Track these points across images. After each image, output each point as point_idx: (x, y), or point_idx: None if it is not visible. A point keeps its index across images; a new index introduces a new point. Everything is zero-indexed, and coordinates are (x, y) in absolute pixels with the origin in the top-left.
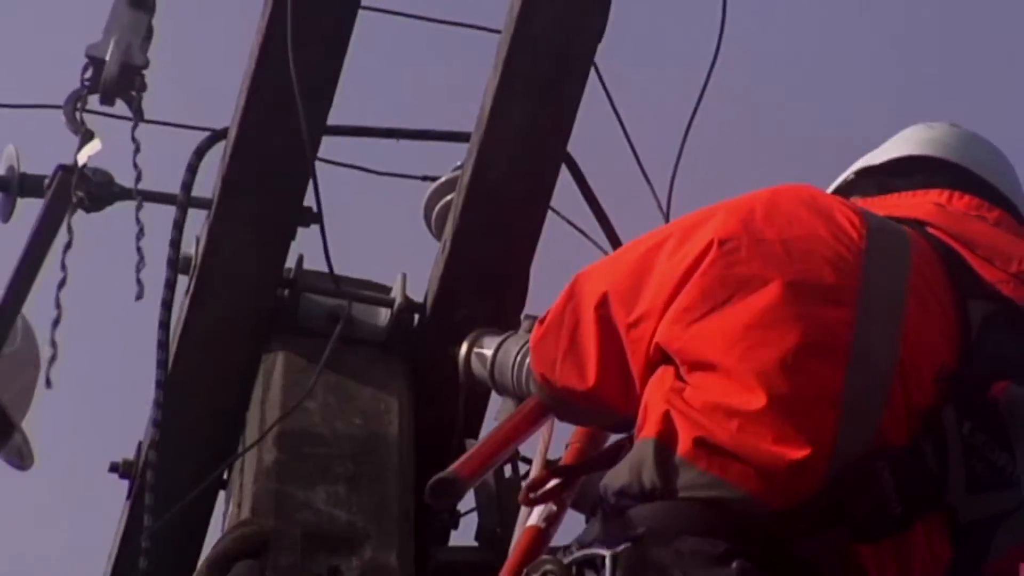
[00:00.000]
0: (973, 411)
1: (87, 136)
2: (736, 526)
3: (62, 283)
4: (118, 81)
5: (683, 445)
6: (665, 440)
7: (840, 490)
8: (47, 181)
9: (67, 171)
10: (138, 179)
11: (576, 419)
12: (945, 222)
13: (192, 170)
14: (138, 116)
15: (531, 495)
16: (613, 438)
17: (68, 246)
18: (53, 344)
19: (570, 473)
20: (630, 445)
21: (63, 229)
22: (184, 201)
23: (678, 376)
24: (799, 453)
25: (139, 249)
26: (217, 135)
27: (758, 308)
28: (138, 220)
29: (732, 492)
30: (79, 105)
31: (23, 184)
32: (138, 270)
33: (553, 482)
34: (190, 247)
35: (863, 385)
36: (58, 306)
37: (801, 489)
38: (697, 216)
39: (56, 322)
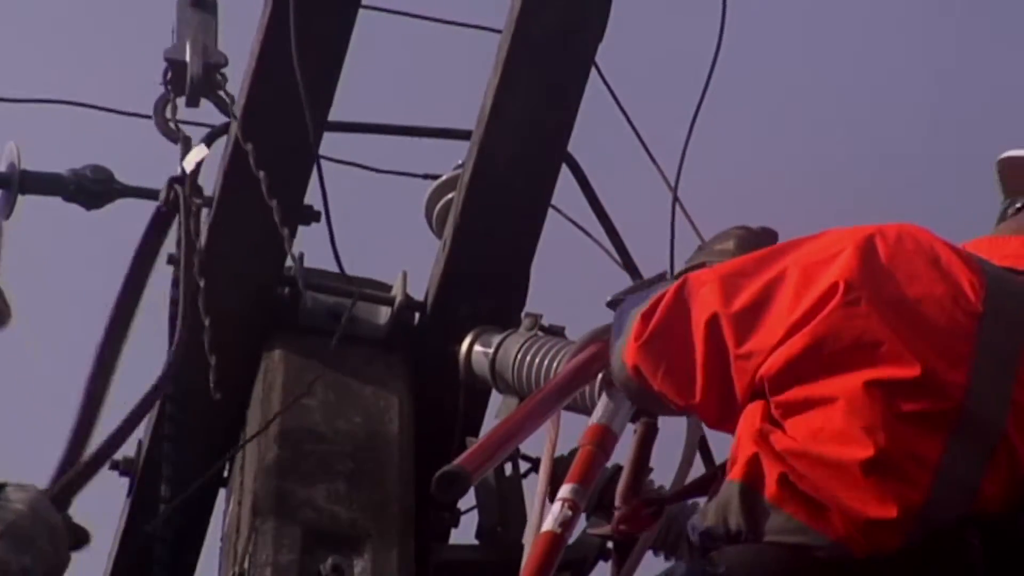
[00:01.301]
0: None
1: (186, 142)
2: (817, 574)
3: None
4: (203, 81)
5: (770, 489)
6: (751, 483)
7: (927, 551)
8: (161, 195)
9: (180, 182)
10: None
11: (651, 411)
12: None
13: (194, 170)
14: (232, 116)
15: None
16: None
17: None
18: None
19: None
20: (722, 476)
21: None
22: (187, 200)
23: (768, 416)
24: (884, 512)
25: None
26: (217, 131)
27: (871, 365)
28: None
29: (817, 539)
30: (170, 112)
31: (23, 181)
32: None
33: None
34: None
35: (966, 452)
36: None
37: (885, 544)
38: (820, 249)
39: None
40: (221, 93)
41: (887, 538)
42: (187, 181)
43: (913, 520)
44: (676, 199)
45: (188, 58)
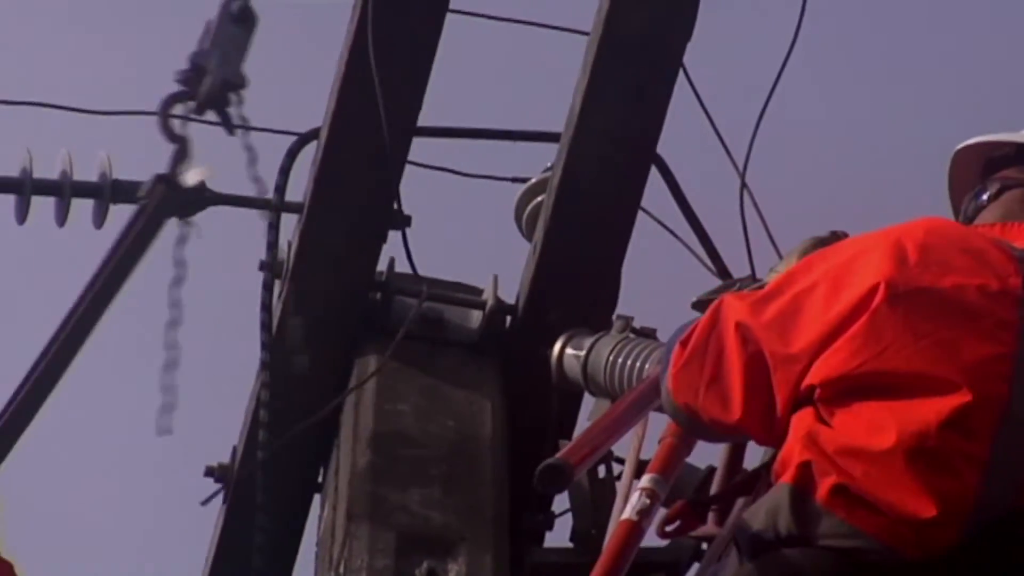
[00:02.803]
0: None
1: (184, 144)
2: None
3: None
4: (217, 96)
5: (821, 492)
6: (801, 487)
7: (979, 549)
8: (143, 191)
9: (165, 182)
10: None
11: (704, 438)
12: None
13: (285, 172)
14: (229, 126)
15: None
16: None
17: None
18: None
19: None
20: (766, 475)
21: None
22: (279, 204)
23: (818, 418)
24: (933, 512)
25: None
26: (307, 137)
27: (916, 361)
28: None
29: (868, 543)
30: (176, 112)
31: (115, 190)
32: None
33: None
34: (282, 251)
35: (1013, 445)
36: (175, 306)
37: (937, 544)
38: (842, 257)
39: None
40: (230, 111)
41: (938, 538)
42: (282, 186)
43: (963, 519)
44: (744, 185)
45: (212, 68)
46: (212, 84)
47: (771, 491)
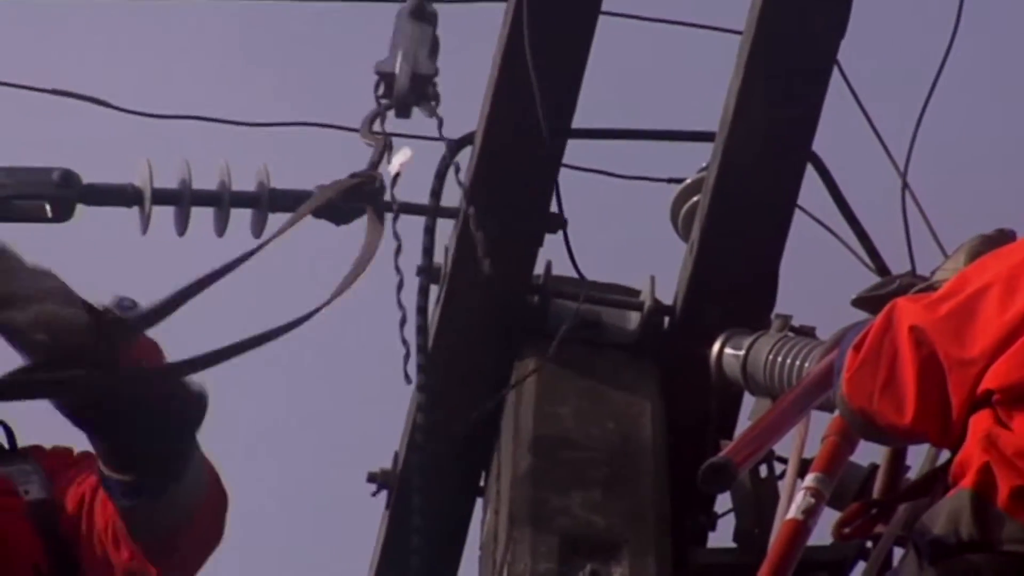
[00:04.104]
0: None
1: (388, 144)
2: None
3: (400, 285)
4: (410, 92)
5: (1002, 496)
6: (983, 491)
7: None
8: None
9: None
10: (465, 196)
11: (880, 443)
12: None
13: (441, 176)
14: (439, 124)
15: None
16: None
17: (398, 251)
18: (404, 343)
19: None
20: (943, 477)
21: (389, 235)
22: (434, 208)
23: (997, 421)
24: None
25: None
26: (462, 141)
27: None
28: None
29: None
30: (377, 122)
31: (273, 199)
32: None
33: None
34: (438, 256)
35: None
36: (401, 307)
37: None
38: (1017, 258)
39: (402, 322)
40: (432, 103)
41: None
42: (438, 191)
43: None
44: (905, 185)
45: (397, 69)
46: (401, 83)
47: (952, 495)
